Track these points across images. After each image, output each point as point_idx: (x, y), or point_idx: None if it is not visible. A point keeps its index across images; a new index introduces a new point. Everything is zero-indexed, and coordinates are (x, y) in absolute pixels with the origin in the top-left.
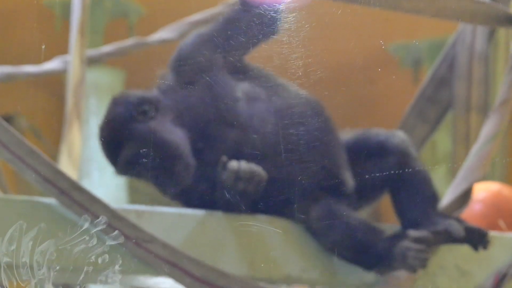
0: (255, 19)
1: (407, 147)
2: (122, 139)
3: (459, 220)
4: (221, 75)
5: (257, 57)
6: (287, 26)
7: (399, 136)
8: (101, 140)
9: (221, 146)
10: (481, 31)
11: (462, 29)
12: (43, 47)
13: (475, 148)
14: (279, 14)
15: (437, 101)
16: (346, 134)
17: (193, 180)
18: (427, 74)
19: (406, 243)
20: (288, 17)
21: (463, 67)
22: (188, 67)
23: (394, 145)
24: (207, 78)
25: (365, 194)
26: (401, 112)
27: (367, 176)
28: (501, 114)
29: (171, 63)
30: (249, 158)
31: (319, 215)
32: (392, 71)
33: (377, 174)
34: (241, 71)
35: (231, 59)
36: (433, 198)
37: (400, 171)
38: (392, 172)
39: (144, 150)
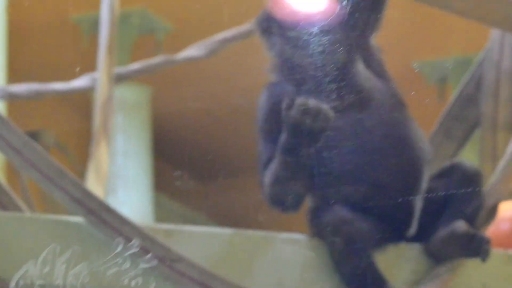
0: None
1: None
2: None
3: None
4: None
5: None
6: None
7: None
8: None
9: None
10: (508, 50)
11: (490, 47)
12: (78, 69)
13: (501, 166)
14: None
15: (464, 119)
16: None
17: None
18: (453, 92)
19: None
20: None
21: (490, 85)
22: None
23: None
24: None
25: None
26: (426, 129)
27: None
28: None
29: None
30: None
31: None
32: (417, 88)
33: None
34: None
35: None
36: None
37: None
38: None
39: None
